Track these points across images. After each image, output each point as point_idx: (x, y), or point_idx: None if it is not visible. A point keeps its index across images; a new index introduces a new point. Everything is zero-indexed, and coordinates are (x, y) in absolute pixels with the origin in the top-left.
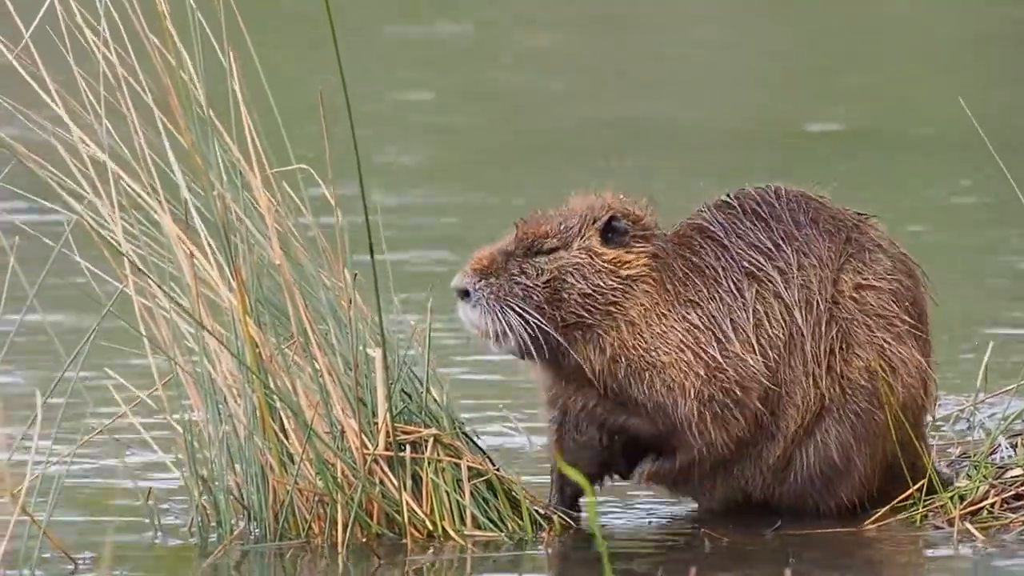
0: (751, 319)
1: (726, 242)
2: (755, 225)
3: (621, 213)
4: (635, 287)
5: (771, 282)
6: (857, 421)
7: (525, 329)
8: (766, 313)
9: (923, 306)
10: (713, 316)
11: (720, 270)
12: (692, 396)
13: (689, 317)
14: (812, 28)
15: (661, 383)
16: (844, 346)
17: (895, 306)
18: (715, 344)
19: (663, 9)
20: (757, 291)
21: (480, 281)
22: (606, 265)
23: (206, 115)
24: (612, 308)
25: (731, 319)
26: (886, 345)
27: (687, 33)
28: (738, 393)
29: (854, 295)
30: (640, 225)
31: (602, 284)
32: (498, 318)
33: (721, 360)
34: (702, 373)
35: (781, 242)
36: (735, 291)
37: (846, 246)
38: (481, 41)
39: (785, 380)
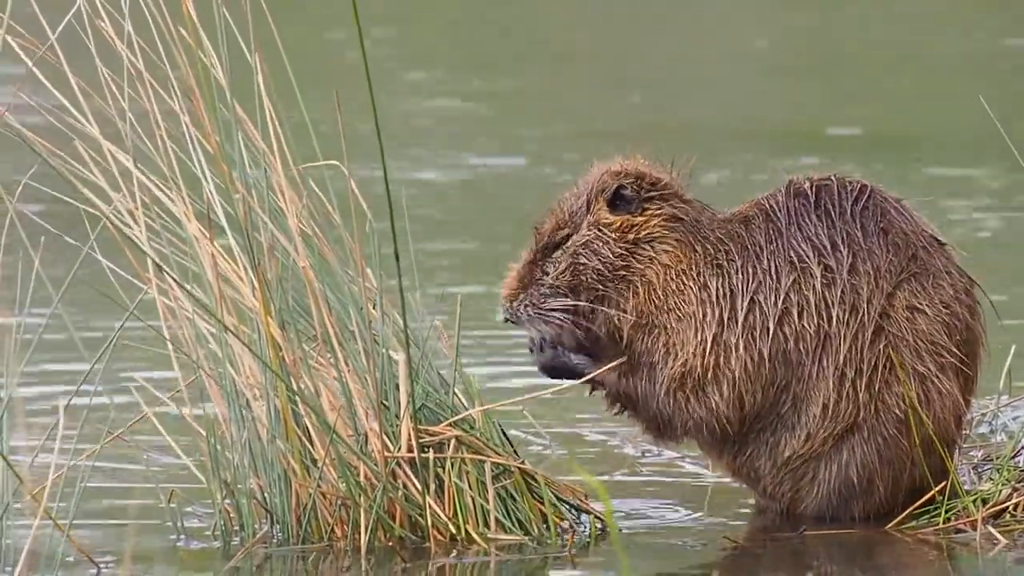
0: (779, 304)
1: (783, 229)
2: (819, 220)
3: (634, 177)
4: (650, 248)
5: (814, 276)
6: (884, 445)
7: (568, 320)
8: (799, 304)
9: (976, 344)
10: (733, 288)
11: (765, 249)
12: (679, 364)
13: (709, 283)
14: (835, 30)
15: (663, 344)
16: (888, 364)
17: (946, 337)
18: (720, 322)
19: (679, 10)
20: (796, 280)
21: (513, 303)
22: (613, 234)
23: (230, 108)
24: (624, 272)
25: (753, 297)
26: (927, 374)
27: (705, 34)
28: (719, 375)
29: (906, 315)
30: (659, 187)
31: (611, 253)
32: (542, 325)
33: (719, 339)
34: (697, 349)
35: (839, 241)
36: (772, 272)
37: (910, 264)
38: (511, 42)
39: (810, 376)
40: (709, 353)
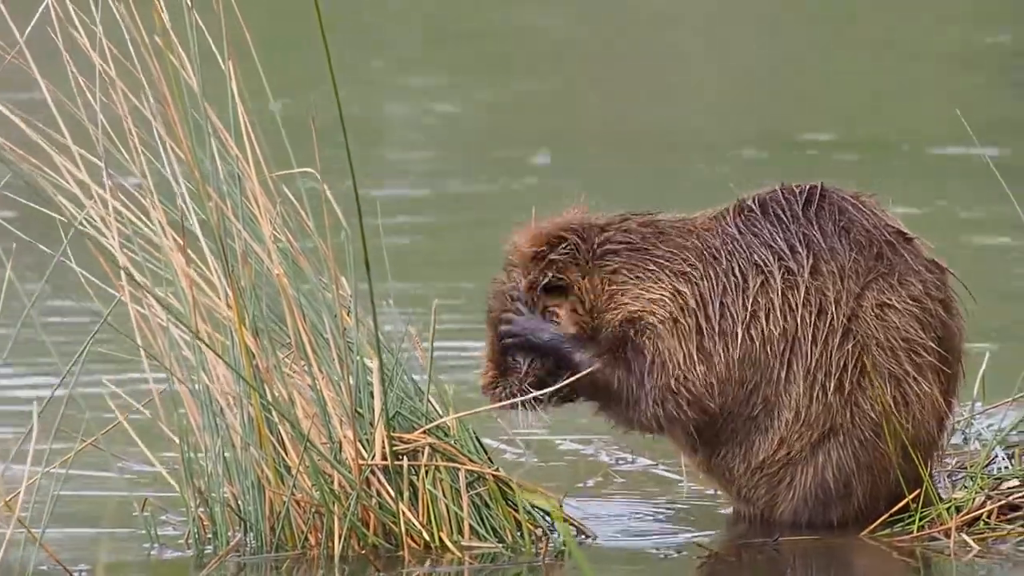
0: (748, 307)
1: (739, 237)
2: (773, 226)
3: (559, 258)
4: (611, 302)
5: (775, 279)
6: (861, 449)
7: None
8: (766, 308)
9: (954, 341)
10: (703, 293)
11: (725, 254)
12: (669, 375)
13: (680, 288)
14: (805, 37)
15: (652, 353)
16: (861, 367)
17: (921, 333)
18: (699, 331)
19: (650, 21)
20: (762, 283)
21: (496, 390)
22: (568, 314)
23: (202, 114)
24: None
25: (723, 300)
26: (903, 376)
27: (674, 44)
28: (707, 383)
29: (876, 312)
30: (587, 248)
31: (574, 327)
32: (528, 408)
33: (704, 348)
34: (686, 360)
35: (797, 244)
36: (737, 275)
37: (877, 263)
38: (495, 46)
39: (779, 379)
40: (700, 365)
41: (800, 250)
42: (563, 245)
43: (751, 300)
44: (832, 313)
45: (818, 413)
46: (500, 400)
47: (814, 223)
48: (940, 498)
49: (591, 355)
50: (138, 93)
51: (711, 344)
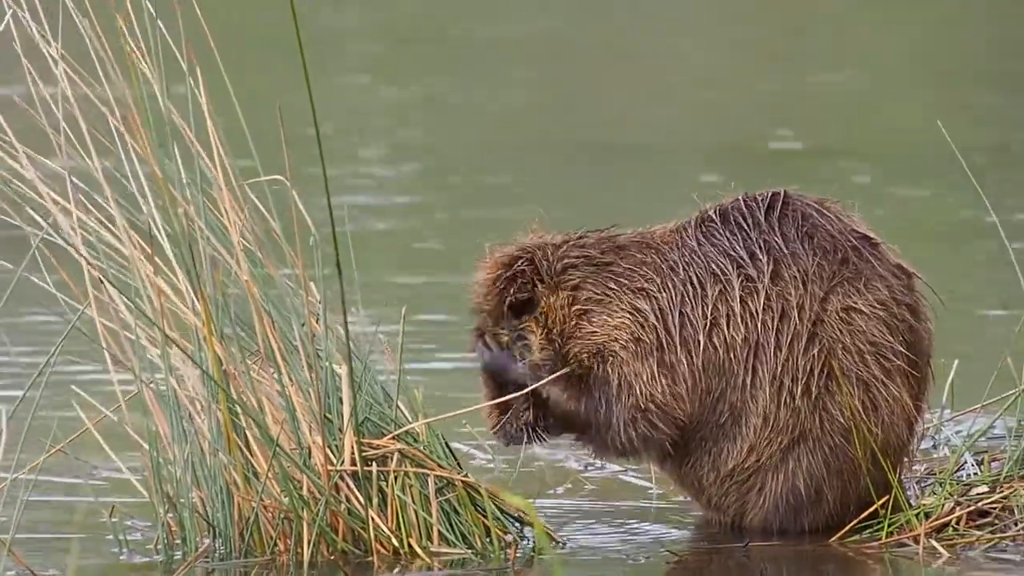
0: (708, 315)
1: (697, 248)
2: (733, 235)
3: (519, 285)
4: (577, 321)
5: (733, 286)
6: (831, 455)
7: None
8: (727, 315)
9: (923, 343)
10: (663, 307)
11: (683, 265)
12: (636, 396)
13: (640, 306)
14: (772, 45)
15: (617, 376)
16: (826, 369)
17: (889, 336)
18: (660, 346)
19: (617, 27)
20: (721, 291)
21: (504, 428)
22: (540, 333)
23: (166, 119)
24: (570, 345)
25: (682, 310)
26: (872, 380)
27: (644, 53)
28: (673, 399)
29: (842, 316)
30: (545, 271)
31: (548, 344)
32: (535, 439)
33: (665, 362)
34: (649, 380)
35: (757, 251)
36: (695, 285)
37: (842, 267)
38: (448, 55)
39: (745, 385)
40: (662, 379)
41: (760, 256)
42: (520, 262)
43: (711, 308)
44: (795, 318)
45: (787, 419)
46: (510, 439)
47: (776, 229)
48: (909, 504)
49: (560, 389)
50: (104, 100)
51: (673, 356)
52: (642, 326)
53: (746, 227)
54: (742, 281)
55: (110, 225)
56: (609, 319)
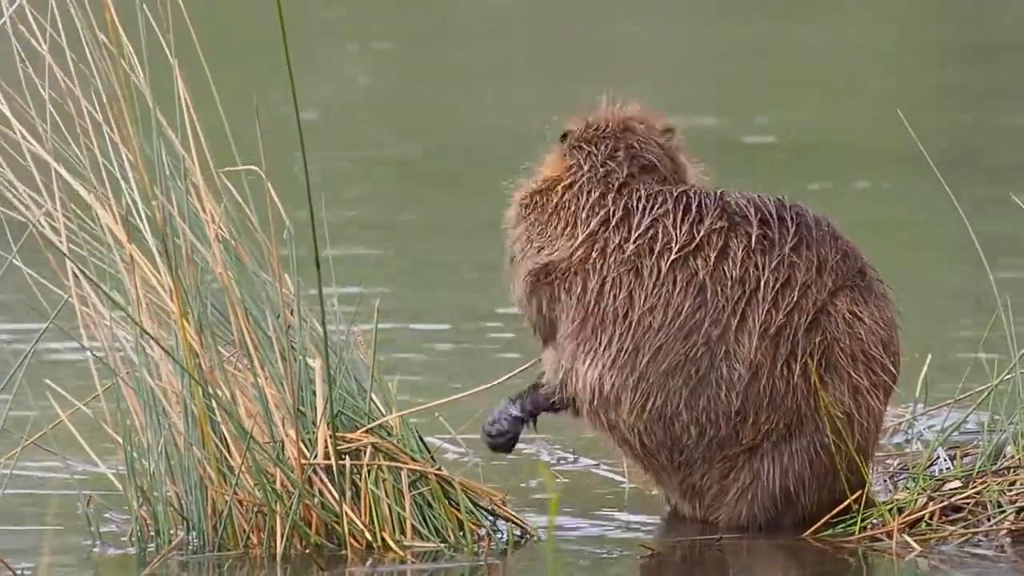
0: (714, 251)
1: (728, 199)
2: (765, 201)
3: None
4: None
5: (752, 237)
6: (816, 457)
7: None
8: (732, 253)
9: (899, 365)
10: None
11: (700, 199)
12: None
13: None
14: (747, 40)
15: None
16: (825, 361)
17: (883, 354)
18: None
19: (596, 20)
20: (736, 234)
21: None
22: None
23: (151, 110)
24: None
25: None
26: (861, 387)
27: (619, 46)
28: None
29: (847, 317)
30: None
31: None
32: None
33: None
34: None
35: (786, 217)
36: (716, 228)
37: (857, 276)
38: (412, 53)
39: (730, 325)
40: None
41: (788, 223)
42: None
43: (720, 243)
44: (797, 289)
45: (782, 393)
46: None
47: (808, 215)
48: (881, 501)
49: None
50: (87, 90)
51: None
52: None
53: (779, 204)
54: (760, 235)
55: (91, 213)
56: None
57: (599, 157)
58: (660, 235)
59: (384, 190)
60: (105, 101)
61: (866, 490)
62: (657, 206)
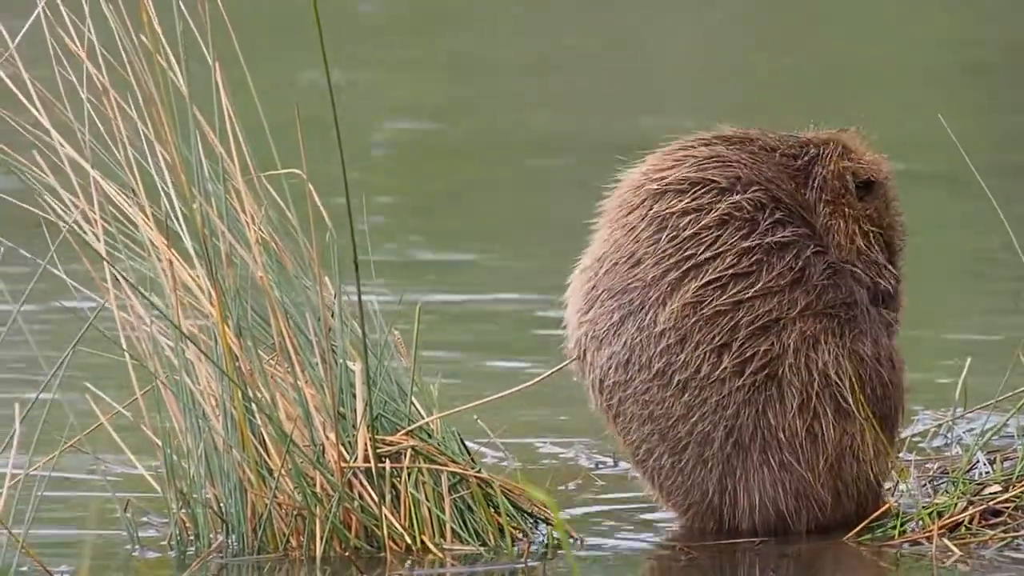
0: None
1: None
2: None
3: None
4: None
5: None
6: (795, 479)
7: None
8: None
9: (887, 402)
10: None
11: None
12: None
13: None
14: (789, 44)
15: None
16: (853, 338)
17: (850, 385)
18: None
19: (631, 17)
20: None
21: None
22: None
23: (190, 112)
24: None
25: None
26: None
27: (658, 45)
28: None
29: (803, 336)
30: None
31: None
32: None
33: None
34: None
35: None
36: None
37: (841, 308)
38: (449, 55)
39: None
40: None
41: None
42: None
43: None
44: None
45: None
46: None
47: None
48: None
49: None
50: (124, 93)
51: None
52: None
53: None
54: (802, 240)
55: (131, 216)
56: None
57: None
58: None
59: (423, 186)
60: (141, 103)
61: (903, 491)
62: None
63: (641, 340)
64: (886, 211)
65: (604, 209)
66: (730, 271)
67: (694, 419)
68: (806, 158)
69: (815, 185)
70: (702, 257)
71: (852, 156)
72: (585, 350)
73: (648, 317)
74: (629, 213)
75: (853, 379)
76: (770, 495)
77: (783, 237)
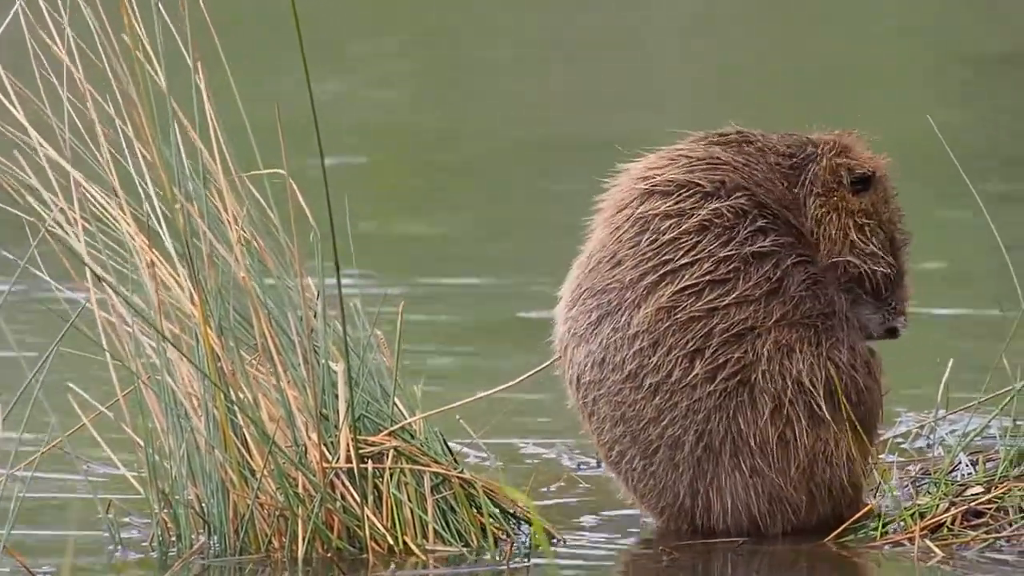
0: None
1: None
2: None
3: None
4: None
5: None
6: (767, 484)
7: None
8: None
9: (863, 409)
10: None
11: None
12: None
13: None
14: (776, 45)
15: None
16: (830, 346)
17: (826, 392)
18: None
19: (621, 25)
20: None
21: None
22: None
23: (168, 109)
24: None
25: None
26: (830, 424)
27: (646, 48)
28: None
29: (776, 345)
30: None
31: None
32: None
33: None
34: None
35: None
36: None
37: (819, 318)
38: (436, 55)
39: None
40: None
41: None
42: None
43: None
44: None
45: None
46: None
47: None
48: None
49: None
50: (104, 93)
51: None
52: None
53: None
54: (788, 251)
55: (111, 216)
56: None
57: None
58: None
59: (404, 186)
60: (120, 103)
61: (883, 493)
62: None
63: (615, 341)
64: (885, 206)
65: (600, 206)
66: (707, 278)
67: (664, 423)
68: (802, 156)
69: (807, 180)
70: (680, 262)
71: (849, 154)
72: (567, 346)
73: (623, 319)
74: (617, 212)
75: (830, 385)
76: (742, 499)
77: (762, 247)
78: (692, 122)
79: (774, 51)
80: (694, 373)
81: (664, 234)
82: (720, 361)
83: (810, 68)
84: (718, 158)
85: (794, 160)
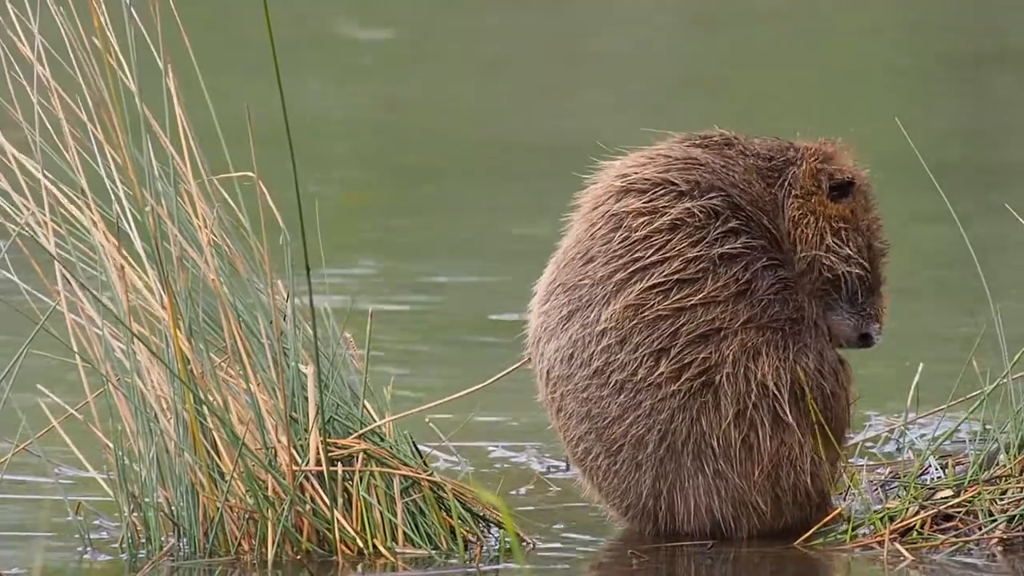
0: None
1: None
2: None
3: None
4: None
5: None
6: (731, 487)
7: None
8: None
9: (833, 412)
10: None
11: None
12: None
13: None
14: (740, 46)
15: None
16: (797, 351)
17: (790, 393)
18: None
19: (583, 23)
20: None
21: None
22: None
23: (140, 111)
24: None
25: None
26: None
27: (611, 46)
28: None
29: (743, 347)
30: None
31: None
32: None
33: None
34: None
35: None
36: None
37: (788, 323)
38: (405, 54)
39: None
40: None
41: (781, 245)
42: None
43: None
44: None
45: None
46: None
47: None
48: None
49: None
50: (74, 95)
51: None
52: None
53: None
54: (771, 256)
55: (80, 218)
56: None
57: None
58: None
59: (379, 192)
60: (91, 106)
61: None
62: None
63: (584, 337)
64: (864, 214)
65: (578, 203)
66: (675, 277)
67: (629, 421)
68: (782, 160)
69: (786, 182)
70: (649, 260)
71: (831, 161)
72: (538, 340)
73: (593, 315)
74: (593, 209)
75: (796, 389)
76: (704, 501)
77: (732, 248)
78: (667, 125)
79: (744, 57)
80: (659, 372)
81: (636, 231)
82: (685, 361)
83: (801, 72)
84: (696, 159)
85: (774, 162)
